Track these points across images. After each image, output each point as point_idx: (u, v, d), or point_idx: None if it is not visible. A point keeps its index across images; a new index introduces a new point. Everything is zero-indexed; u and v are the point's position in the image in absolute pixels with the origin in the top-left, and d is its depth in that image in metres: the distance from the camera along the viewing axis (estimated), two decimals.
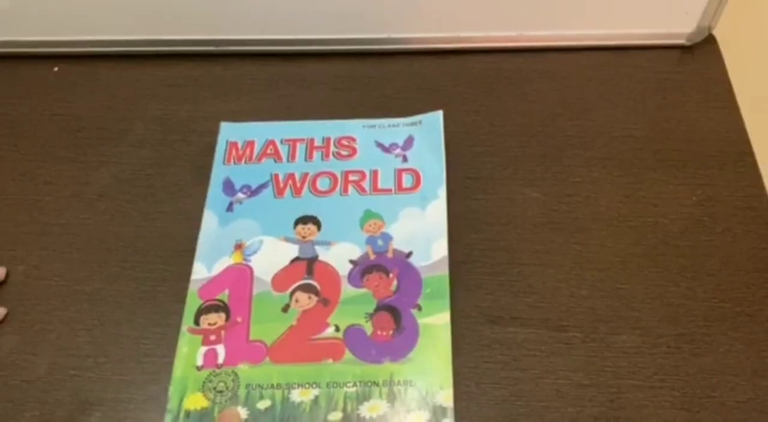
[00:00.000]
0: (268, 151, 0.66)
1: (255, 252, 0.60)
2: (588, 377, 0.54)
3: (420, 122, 0.67)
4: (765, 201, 0.63)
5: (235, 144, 0.66)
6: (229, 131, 0.67)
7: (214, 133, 0.67)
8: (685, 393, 0.53)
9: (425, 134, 0.66)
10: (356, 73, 0.73)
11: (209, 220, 0.62)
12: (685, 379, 0.54)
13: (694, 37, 0.73)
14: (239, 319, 0.56)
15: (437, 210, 0.61)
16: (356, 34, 0.73)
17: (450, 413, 0.52)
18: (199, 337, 0.56)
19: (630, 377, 0.54)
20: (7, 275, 0.61)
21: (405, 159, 0.65)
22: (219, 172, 0.65)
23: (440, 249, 0.59)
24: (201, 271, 0.59)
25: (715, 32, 0.73)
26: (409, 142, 0.66)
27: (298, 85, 0.73)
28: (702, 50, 0.73)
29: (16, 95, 0.74)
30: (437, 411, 0.52)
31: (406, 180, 0.63)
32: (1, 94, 0.74)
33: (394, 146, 0.66)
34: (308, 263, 0.59)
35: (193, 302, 0.57)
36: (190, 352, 0.55)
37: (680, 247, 0.60)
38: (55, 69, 0.75)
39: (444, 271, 0.58)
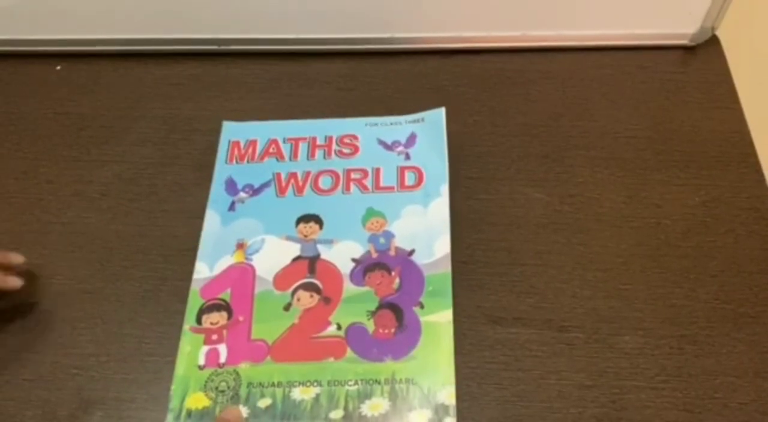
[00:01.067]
0: (271, 150, 0.66)
1: (257, 251, 0.60)
2: (590, 378, 0.54)
3: (422, 120, 0.67)
4: None
5: (237, 143, 0.66)
6: (232, 130, 0.67)
7: (216, 132, 0.67)
8: (687, 394, 0.53)
9: (428, 131, 0.66)
10: (359, 73, 0.73)
11: (211, 219, 0.62)
12: (687, 380, 0.54)
13: (698, 38, 0.72)
14: (241, 318, 0.56)
15: (440, 208, 0.61)
16: (359, 34, 0.73)
17: (452, 411, 0.52)
18: (201, 336, 0.56)
19: (632, 378, 0.54)
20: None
21: (407, 157, 0.65)
22: (221, 171, 0.65)
23: (443, 247, 0.59)
24: (203, 270, 0.59)
25: (719, 33, 0.73)
26: (411, 139, 0.66)
27: (300, 85, 0.73)
28: (705, 51, 0.73)
29: (18, 94, 0.74)
30: (439, 410, 0.52)
31: (409, 178, 0.63)
32: (3, 92, 0.74)
33: (396, 143, 0.65)
34: (310, 262, 0.59)
35: (195, 302, 0.57)
36: (192, 351, 0.55)
37: (683, 248, 0.60)
38: (58, 67, 0.75)
39: (446, 269, 0.58)
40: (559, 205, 0.63)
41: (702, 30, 0.72)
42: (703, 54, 0.73)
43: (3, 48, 0.76)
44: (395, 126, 0.67)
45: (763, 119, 0.69)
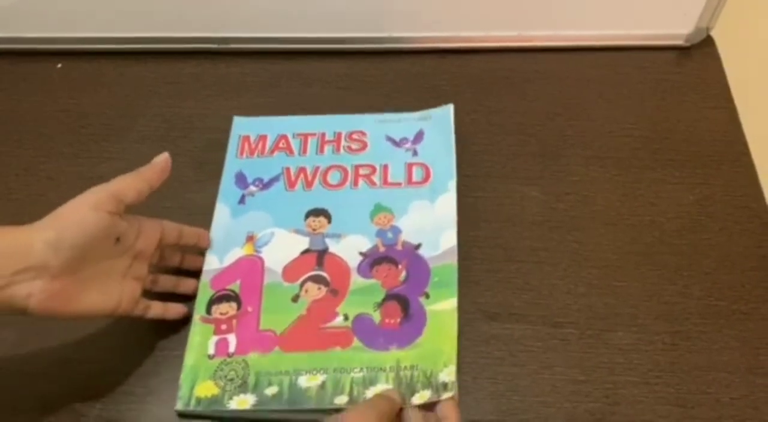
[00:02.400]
0: (281, 145, 0.67)
1: (266, 244, 0.60)
2: (584, 373, 0.55)
3: (430, 117, 0.67)
4: (761, 201, 0.63)
5: (247, 138, 0.67)
6: (242, 125, 0.68)
7: (216, 130, 0.68)
8: (680, 389, 0.54)
9: (435, 128, 0.66)
10: (358, 72, 0.74)
11: (221, 212, 0.62)
12: (680, 376, 0.54)
13: (693, 38, 0.73)
14: (250, 309, 0.57)
15: (447, 203, 0.62)
16: (358, 34, 0.74)
17: (451, 386, 0.52)
18: (211, 326, 0.56)
19: (626, 373, 0.55)
20: None
21: (415, 153, 0.65)
22: (231, 165, 0.65)
23: (449, 240, 0.60)
24: (213, 262, 0.60)
25: (713, 33, 0.73)
26: (419, 136, 0.66)
27: (299, 83, 0.74)
28: (700, 51, 0.74)
29: (19, 92, 0.74)
30: (439, 388, 0.52)
31: (416, 174, 0.64)
32: (4, 90, 0.74)
33: (404, 140, 0.66)
34: (318, 255, 0.60)
35: (205, 293, 0.58)
36: (202, 341, 0.56)
37: (677, 245, 0.61)
38: (59, 66, 0.76)
39: (452, 260, 0.58)
40: (554, 203, 0.64)
41: (697, 31, 0.72)
42: (698, 54, 0.74)
43: (4, 46, 0.76)
44: (403, 123, 0.68)
45: (756, 119, 0.69)
